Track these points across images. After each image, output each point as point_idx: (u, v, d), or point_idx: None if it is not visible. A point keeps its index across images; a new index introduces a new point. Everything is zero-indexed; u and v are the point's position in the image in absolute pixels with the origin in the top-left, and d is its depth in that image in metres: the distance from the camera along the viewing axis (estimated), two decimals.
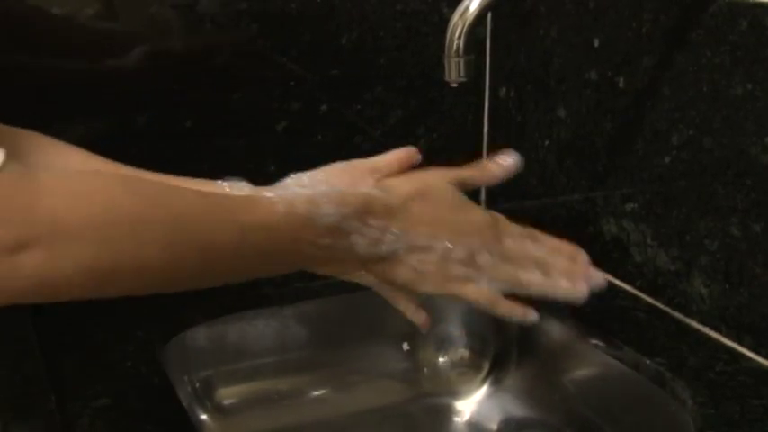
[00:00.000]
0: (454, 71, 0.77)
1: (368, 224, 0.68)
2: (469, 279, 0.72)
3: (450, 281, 0.72)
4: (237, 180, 0.76)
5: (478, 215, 0.74)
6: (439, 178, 0.75)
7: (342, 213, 0.67)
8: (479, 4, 0.76)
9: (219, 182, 0.77)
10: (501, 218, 0.76)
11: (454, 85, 0.79)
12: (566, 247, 0.77)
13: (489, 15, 1.05)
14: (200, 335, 0.91)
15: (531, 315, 0.75)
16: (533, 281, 0.74)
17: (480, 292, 0.73)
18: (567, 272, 0.76)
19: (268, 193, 0.67)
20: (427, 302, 0.87)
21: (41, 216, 0.52)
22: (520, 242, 0.75)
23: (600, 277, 0.76)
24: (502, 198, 1.13)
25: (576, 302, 0.75)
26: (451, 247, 0.71)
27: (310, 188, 0.69)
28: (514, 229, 0.76)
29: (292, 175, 0.77)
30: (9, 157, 0.51)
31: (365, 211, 0.68)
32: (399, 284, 0.72)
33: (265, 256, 0.65)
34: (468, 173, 0.77)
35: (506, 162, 0.78)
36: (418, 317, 0.78)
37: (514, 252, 0.74)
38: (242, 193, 0.70)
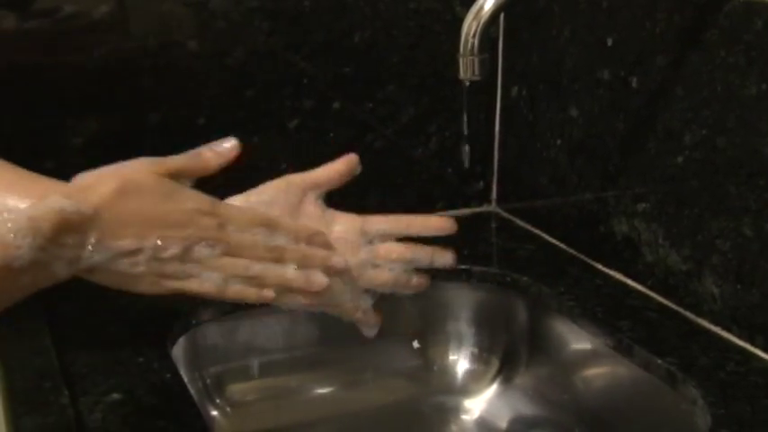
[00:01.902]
0: (469, 70, 0.78)
1: (64, 245, 0.62)
2: (190, 274, 0.68)
3: (167, 278, 0.68)
4: None
5: (193, 203, 0.69)
6: (143, 170, 0.69)
7: (35, 246, 0.60)
8: (494, 4, 0.76)
9: None
10: (224, 204, 0.72)
11: (468, 83, 0.79)
12: (303, 230, 0.74)
13: (502, 14, 1.05)
14: (211, 332, 0.91)
15: (268, 294, 0.72)
16: (266, 274, 0.71)
17: (203, 285, 0.69)
18: (300, 260, 0.72)
19: None
20: (437, 300, 0.88)
21: None
22: (248, 230, 0.71)
23: (341, 264, 0.75)
24: (513, 197, 1.13)
25: (312, 289, 0.73)
26: (161, 243, 0.66)
27: (11, 218, 0.61)
28: (241, 215, 0.72)
29: (230, 198, 0.74)
30: None
31: (60, 230, 0.62)
32: (113, 288, 0.68)
33: None
34: (180, 162, 0.71)
35: (223, 148, 0.74)
36: None
37: (242, 241, 0.70)
38: None
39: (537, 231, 1.08)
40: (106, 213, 0.65)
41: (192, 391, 0.80)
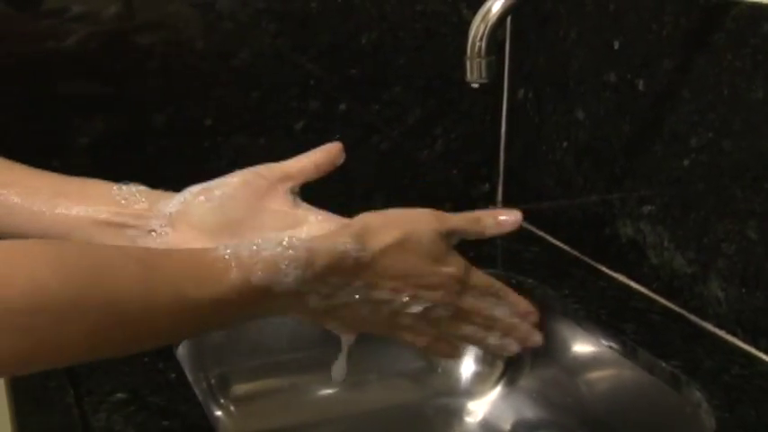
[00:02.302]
0: (476, 72, 0.77)
1: (328, 283, 0.63)
2: (416, 329, 0.70)
3: (395, 328, 0.69)
4: (134, 184, 0.73)
5: (451, 269, 0.69)
6: (426, 225, 0.69)
7: (303, 278, 0.61)
8: (501, 6, 0.76)
9: (115, 186, 0.72)
10: (474, 271, 0.72)
11: (475, 85, 0.79)
12: (522, 305, 0.75)
13: (509, 17, 1.05)
14: (216, 332, 0.91)
15: (457, 354, 0.75)
16: (472, 336, 0.73)
17: (417, 339, 0.70)
18: (505, 329, 0.74)
19: (223, 250, 0.59)
20: None
21: None
22: (481, 300, 0.72)
23: (538, 339, 0.76)
24: (519, 199, 1.13)
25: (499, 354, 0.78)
26: (408, 300, 0.67)
27: (274, 241, 0.61)
28: (484, 284, 0.72)
29: (190, 189, 0.72)
30: None
31: (332, 271, 0.62)
32: (339, 326, 0.69)
33: (209, 329, 0.63)
34: (462, 224, 0.72)
35: (504, 220, 0.74)
36: None
37: (470, 310, 0.71)
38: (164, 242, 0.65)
39: (542, 234, 1.08)
40: (380, 264, 0.65)
41: (196, 390, 0.80)
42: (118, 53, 0.96)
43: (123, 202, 0.71)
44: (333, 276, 0.63)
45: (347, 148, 1.07)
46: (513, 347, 0.75)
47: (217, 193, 0.72)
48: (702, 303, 0.84)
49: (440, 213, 0.71)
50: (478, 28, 0.76)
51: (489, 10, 0.76)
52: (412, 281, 0.67)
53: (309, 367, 0.95)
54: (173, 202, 0.71)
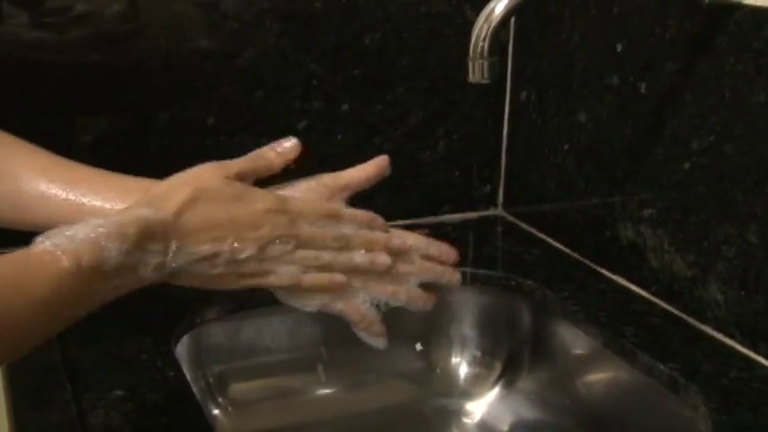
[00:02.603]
0: (478, 73, 0.78)
1: (149, 250, 0.65)
2: (267, 271, 0.71)
3: (246, 277, 0.70)
4: None
5: (263, 203, 0.71)
6: (211, 176, 0.71)
7: (124, 249, 0.63)
8: (505, 7, 0.76)
9: None
10: (292, 199, 0.74)
11: (479, 80, 0.79)
12: (360, 215, 0.76)
13: (513, 19, 1.05)
14: (215, 331, 0.91)
15: (338, 278, 0.74)
16: (337, 261, 0.73)
17: (281, 278, 0.71)
18: (366, 245, 0.75)
19: (42, 243, 0.62)
20: (441, 303, 0.87)
21: None
22: (316, 223, 0.73)
23: (399, 243, 0.77)
24: (519, 201, 1.13)
25: (378, 269, 0.75)
26: (237, 246, 0.69)
27: (84, 224, 0.63)
28: (308, 210, 0.73)
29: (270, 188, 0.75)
30: None
31: (145, 237, 0.64)
32: (195, 288, 0.71)
33: (60, 317, 0.62)
34: (244, 164, 0.74)
35: (284, 147, 0.76)
36: None
37: (311, 235, 0.72)
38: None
39: (542, 236, 1.08)
40: (183, 220, 0.67)
41: (194, 389, 0.80)
42: (121, 52, 0.97)
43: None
44: (149, 243, 0.64)
45: (349, 148, 1.08)
46: (381, 259, 0.75)
47: (287, 193, 0.76)
48: (702, 306, 0.84)
49: (222, 162, 0.73)
50: (481, 28, 0.76)
51: (492, 11, 0.76)
52: (227, 226, 0.68)
53: (307, 367, 0.96)
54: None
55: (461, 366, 0.98)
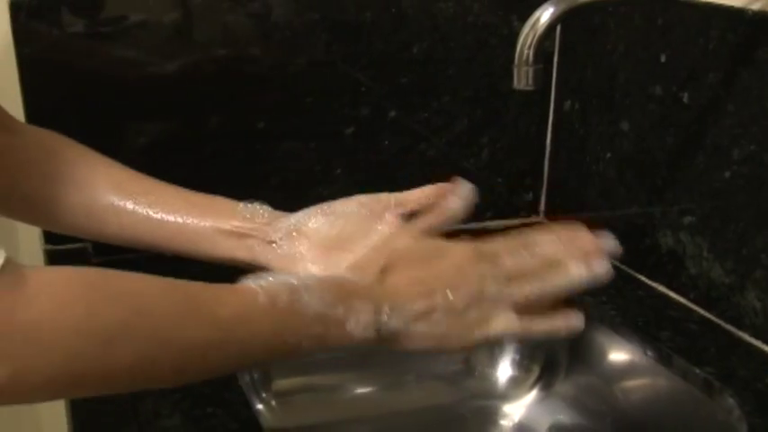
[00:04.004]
0: (523, 79, 0.78)
1: (357, 309, 0.64)
2: (491, 315, 0.68)
3: (473, 327, 0.67)
4: (258, 203, 0.78)
5: (461, 255, 0.69)
6: (401, 238, 0.72)
7: (324, 301, 0.63)
8: (550, 16, 0.77)
9: (240, 203, 0.78)
10: (479, 243, 0.70)
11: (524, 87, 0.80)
12: (558, 232, 0.72)
13: (558, 29, 1.06)
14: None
15: (575, 320, 0.70)
16: (552, 281, 0.69)
17: (508, 319, 0.68)
18: (580, 256, 0.70)
19: (251, 282, 0.63)
20: None
21: (16, 331, 0.50)
22: (515, 255, 0.70)
23: (611, 242, 0.72)
24: (561, 209, 1.14)
25: (603, 280, 0.70)
26: (452, 297, 0.66)
27: (288, 274, 0.66)
28: (499, 245, 0.70)
29: (309, 209, 0.78)
30: (9, 260, 0.50)
31: (349, 295, 0.64)
32: (427, 353, 0.68)
33: (247, 350, 0.62)
34: (428, 220, 0.74)
35: (459, 191, 0.75)
36: None
37: (515, 267, 0.69)
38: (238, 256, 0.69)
39: None
40: (389, 282, 0.67)
41: (240, 383, 0.82)
42: (175, 58, 0.99)
43: (248, 216, 0.77)
44: (355, 301, 0.64)
45: (395, 155, 1.10)
46: (598, 266, 0.70)
47: (335, 210, 0.78)
48: (739, 314, 0.85)
49: (405, 225, 0.74)
50: (527, 36, 0.77)
51: (538, 19, 0.77)
52: (434, 281, 0.67)
53: (349, 366, 0.97)
54: (293, 217, 0.78)
55: (500, 369, 0.98)
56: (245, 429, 0.73)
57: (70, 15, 0.94)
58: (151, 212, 0.77)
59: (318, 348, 0.65)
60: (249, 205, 0.78)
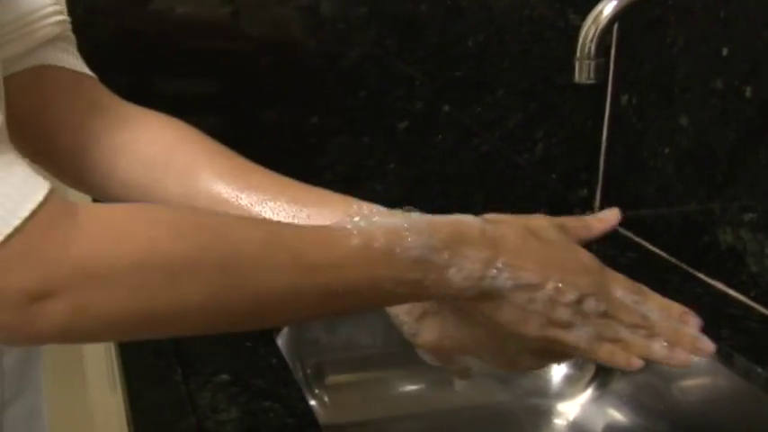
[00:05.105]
0: (584, 73, 0.78)
1: (465, 256, 0.61)
2: (573, 325, 0.65)
3: (554, 325, 0.65)
4: (373, 205, 0.70)
5: (587, 257, 0.67)
6: (543, 220, 0.69)
7: (429, 245, 0.59)
8: (613, 9, 0.77)
9: (355, 202, 0.70)
10: (608, 269, 0.69)
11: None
12: (675, 307, 0.70)
13: (616, 23, 1.05)
14: (314, 324, 0.93)
15: (636, 362, 0.68)
16: (634, 342, 0.67)
17: (579, 338, 0.66)
18: (671, 337, 0.68)
19: (347, 224, 0.60)
20: None
21: (72, 262, 0.48)
22: (628, 295, 0.68)
23: (709, 345, 0.69)
24: (617, 205, 1.12)
25: (673, 364, 0.68)
26: (561, 286, 0.64)
27: (393, 214, 0.62)
28: (623, 279, 0.69)
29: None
30: (54, 191, 0.48)
31: (459, 240, 0.61)
32: (501, 324, 0.65)
33: (334, 297, 0.58)
34: (571, 223, 0.71)
35: (606, 215, 0.73)
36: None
37: (622, 305, 0.67)
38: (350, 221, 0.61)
39: (639, 240, 1.07)
40: (516, 243, 0.64)
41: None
42: (225, 52, 1.00)
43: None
44: (468, 248, 0.61)
45: (448, 149, 1.10)
46: (682, 356, 0.68)
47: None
48: None
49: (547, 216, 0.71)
50: (589, 30, 0.77)
51: (600, 12, 0.77)
52: (555, 265, 0.65)
53: (401, 363, 0.97)
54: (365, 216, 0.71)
55: (554, 367, 0.97)
56: (302, 424, 0.73)
57: (116, 9, 0.95)
58: (249, 205, 0.71)
59: (414, 297, 0.62)
60: (364, 204, 0.70)
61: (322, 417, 0.92)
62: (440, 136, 1.09)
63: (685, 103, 0.97)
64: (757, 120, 0.87)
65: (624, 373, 0.92)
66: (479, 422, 0.97)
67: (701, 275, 0.96)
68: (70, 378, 1.34)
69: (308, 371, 0.94)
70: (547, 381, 0.98)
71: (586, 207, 1.16)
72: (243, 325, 0.59)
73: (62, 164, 0.75)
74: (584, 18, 0.79)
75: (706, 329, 0.84)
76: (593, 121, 1.13)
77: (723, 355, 0.81)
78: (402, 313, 0.68)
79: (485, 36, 1.06)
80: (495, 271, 0.62)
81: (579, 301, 0.65)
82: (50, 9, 0.72)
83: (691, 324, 0.69)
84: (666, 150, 1.01)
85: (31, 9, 0.71)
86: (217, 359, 0.80)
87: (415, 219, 0.61)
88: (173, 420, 0.72)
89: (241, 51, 1.00)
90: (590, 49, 0.77)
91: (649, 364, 0.88)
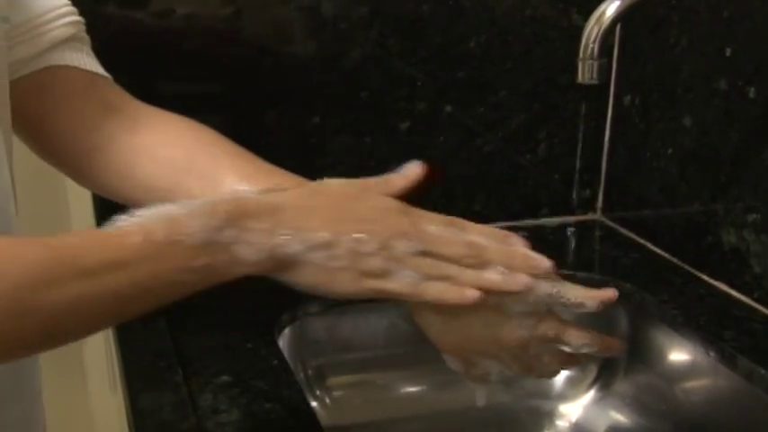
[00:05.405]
0: (587, 73, 0.78)
1: (249, 229, 0.60)
2: (389, 271, 0.63)
3: (367, 277, 0.63)
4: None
5: (383, 202, 0.65)
6: (337, 181, 0.67)
7: (210, 226, 0.59)
8: (616, 9, 0.77)
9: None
10: (413, 208, 0.66)
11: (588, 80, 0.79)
12: (497, 231, 0.67)
13: (619, 23, 1.05)
14: (315, 325, 0.93)
15: (469, 294, 0.64)
16: (464, 275, 0.64)
17: (402, 284, 0.63)
18: (504, 259, 0.65)
19: (123, 221, 0.59)
20: None
21: None
22: (443, 229, 0.65)
23: (544, 262, 0.66)
24: (620, 206, 1.12)
25: (513, 290, 0.65)
26: (360, 236, 0.62)
27: (169, 204, 0.60)
28: (434, 215, 0.66)
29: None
30: None
31: (239, 215, 0.60)
32: (310, 288, 0.63)
33: (128, 297, 0.57)
34: (372, 181, 0.68)
35: (410, 174, 0.68)
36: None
37: (439, 239, 0.64)
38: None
39: (642, 241, 1.07)
40: (299, 204, 0.63)
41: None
42: (226, 53, 0.99)
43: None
44: (250, 221, 0.60)
45: (450, 150, 1.09)
46: (522, 279, 0.64)
47: None
48: None
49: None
50: (592, 30, 0.77)
51: (603, 13, 0.77)
52: (347, 217, 0.63)
53: (403, 364, 0.97)
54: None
55: None
56: (303, 425, 0.73)
57: (116, 10, 0.95)
58: None
59: (207, 282, 0.60)
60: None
61: (323, 418, 0.92)
62: (442, 137, 1.09)
63: (688, 103, 0.97)
64: (761, 120, 0.87)
65: (626, 374, 0.93)
66: (481, 423, 0.96)
67: (705, 276, 0.96)
68: (70, 379, 1.35)
69: (310, 372, 0.93)
70: (549, 382, 0.97)
71: (589, 207, 1.16)
72: (41, 347, 0.58)
73: (78, 165, 0.76)
74: (587, 18, 0.79)
75: (709, 330, 0.84)
76: (596, 121, 1.12)
77: (726, 357, 0.81)
78: (428, 315, 0.67)
79: (487, 36, 1.06)
80: (282, 238, 0.61)
81: (386, 247, 0.63)
82: (64, 10, 0.72)
83: (518, 244, 0.67)
84: (669, 151, 1.01)
85: (45, 10, 0.71)
86: (218, 360, 0.80)
87: (194, 203, 0.60)
88: (173, 422, 0.72)
89: (242, 52, 1.00)
90: (593, 49, 0.77)
91: (650, 364, 0.90)
